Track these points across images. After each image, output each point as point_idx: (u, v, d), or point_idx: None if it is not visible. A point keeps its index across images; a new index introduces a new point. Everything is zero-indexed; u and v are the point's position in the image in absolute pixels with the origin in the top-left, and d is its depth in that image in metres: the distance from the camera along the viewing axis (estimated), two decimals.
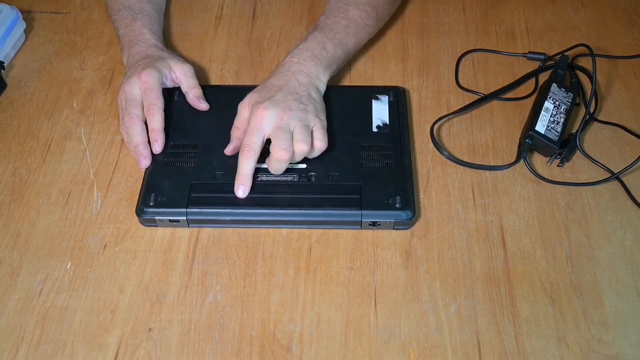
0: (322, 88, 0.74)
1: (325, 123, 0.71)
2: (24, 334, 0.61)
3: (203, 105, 0.75)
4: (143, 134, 0.71)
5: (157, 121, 0.71)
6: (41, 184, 0.73)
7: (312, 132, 0.69)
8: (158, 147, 0.71)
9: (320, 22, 0.79)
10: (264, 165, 0.69)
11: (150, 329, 0.61)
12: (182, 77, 0.76)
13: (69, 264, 0.66)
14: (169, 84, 0.76)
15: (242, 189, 0.67)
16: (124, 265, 0.66)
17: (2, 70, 0.83)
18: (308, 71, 0.73)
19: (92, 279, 0.65)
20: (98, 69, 0.85)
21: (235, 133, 0.71)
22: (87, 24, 0.91)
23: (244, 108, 0.71)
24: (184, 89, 0.76)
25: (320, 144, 0.69)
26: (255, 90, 0.72)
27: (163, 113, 0.72)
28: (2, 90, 0.82)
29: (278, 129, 0.67)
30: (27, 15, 0.91)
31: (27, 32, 0.89)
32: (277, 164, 0.67)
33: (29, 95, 0.82)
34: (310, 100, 0.71)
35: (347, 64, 0.82)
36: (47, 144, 0.76)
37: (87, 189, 0.72)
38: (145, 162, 0.71)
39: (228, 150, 0.71)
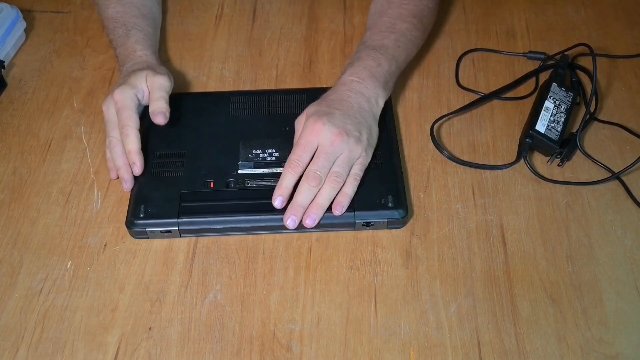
0: (378, 113, 0.72)
1: (368, 160, 0.68)
2: (24, 333, 0.61)
3: (159, 119, 0.69)
4: (123, 157, 0.69)
5: (132, 142, 0.68)
6: (41, 183, 0.73)
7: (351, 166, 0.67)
8: (137, 169, 0.68)
9: (368, 39, 0.76)
10: (257, 171, 0.69)
11: (150, 328, 0.61)
12: (152, 88, 0.71)
13: (69, 263, 0.66)
14: (146, 98, 0.71)
15: (279, 200, 0.65)
16: (124, 265, 0.66)
17: (3, 70, 0.83)
18: (369, 94, 0.70)
19: (92, 278, 0.65)
20: (98, 68, 0.85)
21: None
22: (88, 24, 0.91)
23: (300, 124, 0.69)
24: (150, 99, 0.71)
25: (348, 190, 0.66)
26: (313, 104, 0.69)
27: (138, 132, 0.68)
28: (3, 90, 0.82)
29: (322, 154, 0.65)
30: (28, 15, 0.91)
31: (27, 31, 0.89)
32: (304, 188, 0.65)
33: (29, 95, 0.82)
34: (366, 129, 0.68)
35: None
36: (47, 143, 0.76)
37: (87, 188, 0.72)
38: (128, 186, 0.69)
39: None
